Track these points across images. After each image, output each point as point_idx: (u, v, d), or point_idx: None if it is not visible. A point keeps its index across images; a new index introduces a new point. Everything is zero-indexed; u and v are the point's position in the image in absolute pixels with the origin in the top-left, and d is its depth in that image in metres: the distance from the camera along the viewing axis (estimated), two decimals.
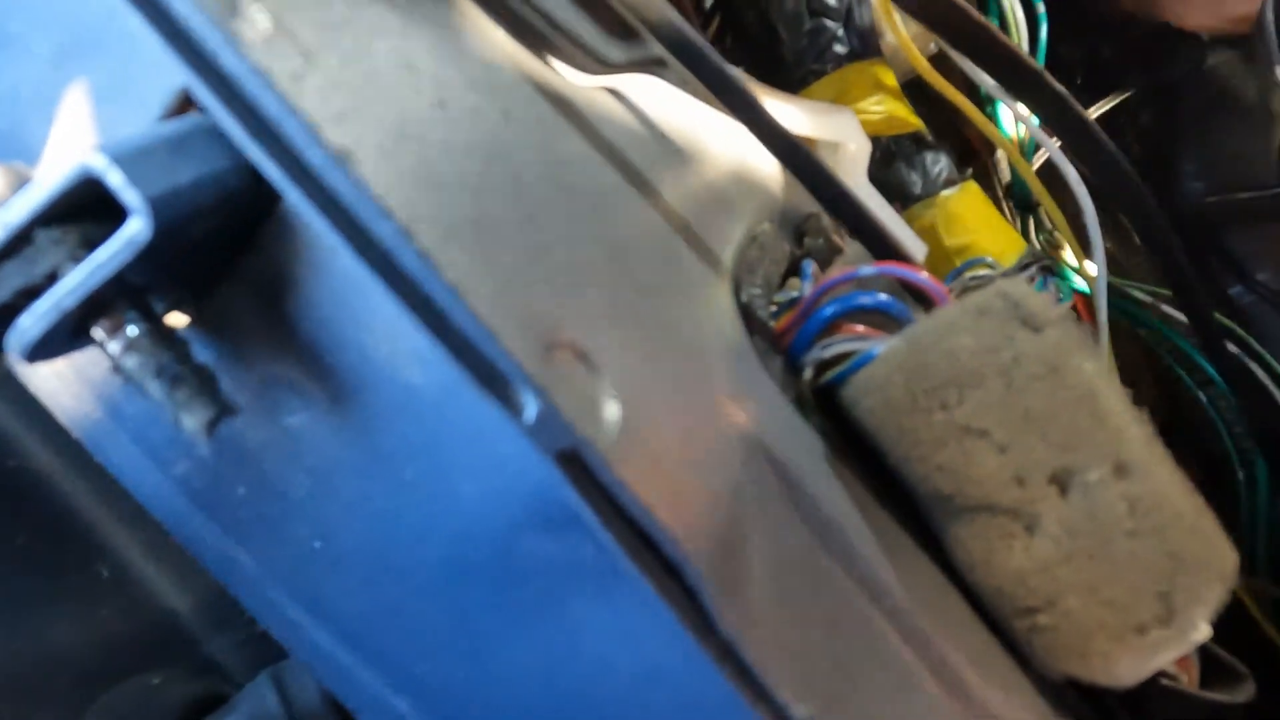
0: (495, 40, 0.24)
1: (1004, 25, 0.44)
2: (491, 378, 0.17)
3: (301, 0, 0.17)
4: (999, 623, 0.25)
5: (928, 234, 0.42)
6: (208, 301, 0.21)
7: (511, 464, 0.19)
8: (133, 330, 0.19)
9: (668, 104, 0.29)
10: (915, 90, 0.44)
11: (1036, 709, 0.26)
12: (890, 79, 0.44)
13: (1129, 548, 0.24)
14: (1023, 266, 0.39)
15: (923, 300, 0.29)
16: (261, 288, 0.20)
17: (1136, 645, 0.24)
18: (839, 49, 0.43)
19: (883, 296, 0.27)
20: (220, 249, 0.20)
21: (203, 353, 0.21)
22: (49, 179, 0.17)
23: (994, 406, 0.24)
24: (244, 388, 0.21)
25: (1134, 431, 0.24)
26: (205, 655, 0.35)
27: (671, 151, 0.29)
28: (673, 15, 0.28)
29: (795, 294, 0.29)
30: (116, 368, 0.19)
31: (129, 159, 0.17)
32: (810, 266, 0.29)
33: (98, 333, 0.19)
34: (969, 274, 0.35)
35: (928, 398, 0.24)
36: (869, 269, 0.27)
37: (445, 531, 0.21)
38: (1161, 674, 0.26)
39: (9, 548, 0.33)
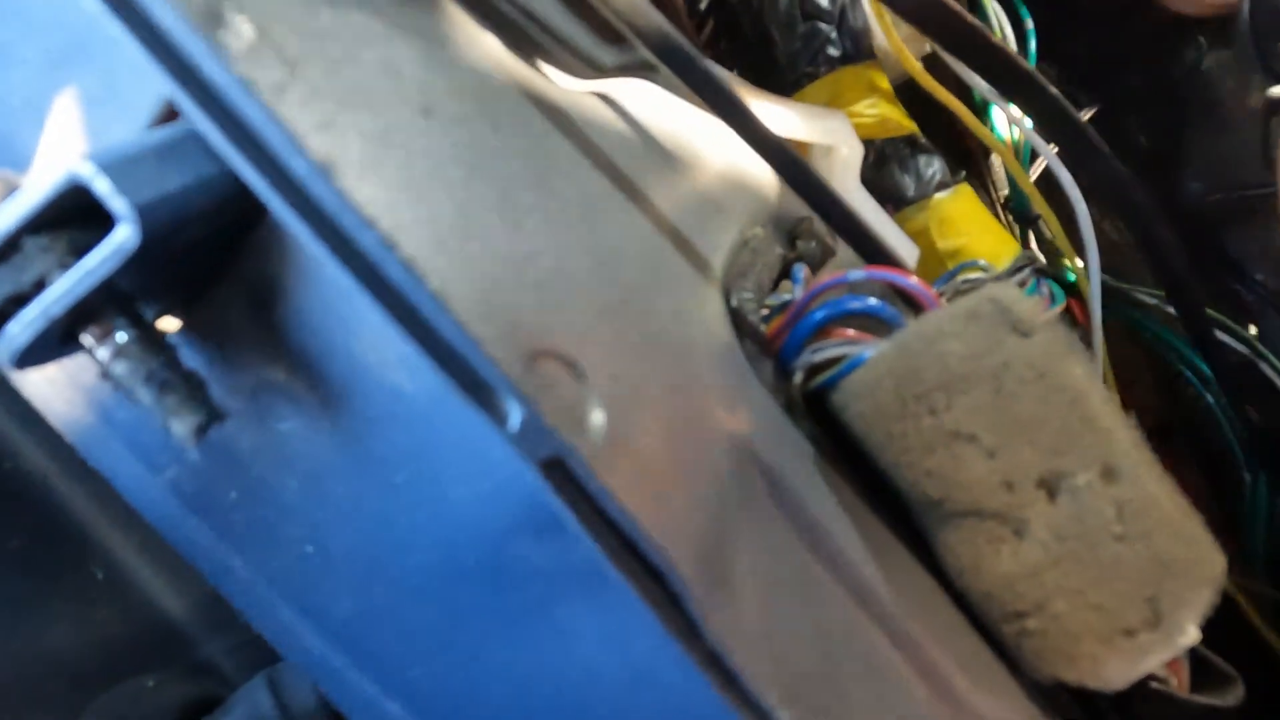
0: (484, 46, 0.24)
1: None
2: (475, 386, 0.17)
3: (286, 10, 0.17)
4: (988, 627, 0.26)
5: (920, 237, 0.42)
6: (198, 307, 0.21)
7: (500, 470, 0.19)
8: (121, 337, 0.19)
9: (659, 108, 0.30)
10: (909, 92, 0.44)
11: (1026, 713, 0.26)
12: (883, 82, 0.44)
13: (1117, 552, 0.24)
14: (1016, 269, 0.39)
15: (913, 304, 0.29)
16: (251, 294, 0.20)
17: (1125, 649, 0.24)
18: (832, 52, 0.43)
19: (873, 301, 0.27)
20: (210, 255, 0.20)
21: (193, 358, 0.21)
22: (37, 187, 0.17)
23: (983, 411, 0.24)
24: (235, 393, 0.21)
25: (1122, 436, 0.24)
26: (201, 657, 0.35)
27: (662, 156, 0.29)
28: (660, 21, 0.28)
29: (787, 297, 0.29)
30: (105, 374, 0.19)
31: (116, 167, 0.17)
32: (801, 270, 0.29)
33: (87, 339, 0.19)
34: (961, 277, 0.35)
35: (917, 402, 0.24)
36: (858, 273, 0.27)
37: (436, 536, 0.21)
38: (1151, 677, 0.26)
39: (4, 550, 0.33)
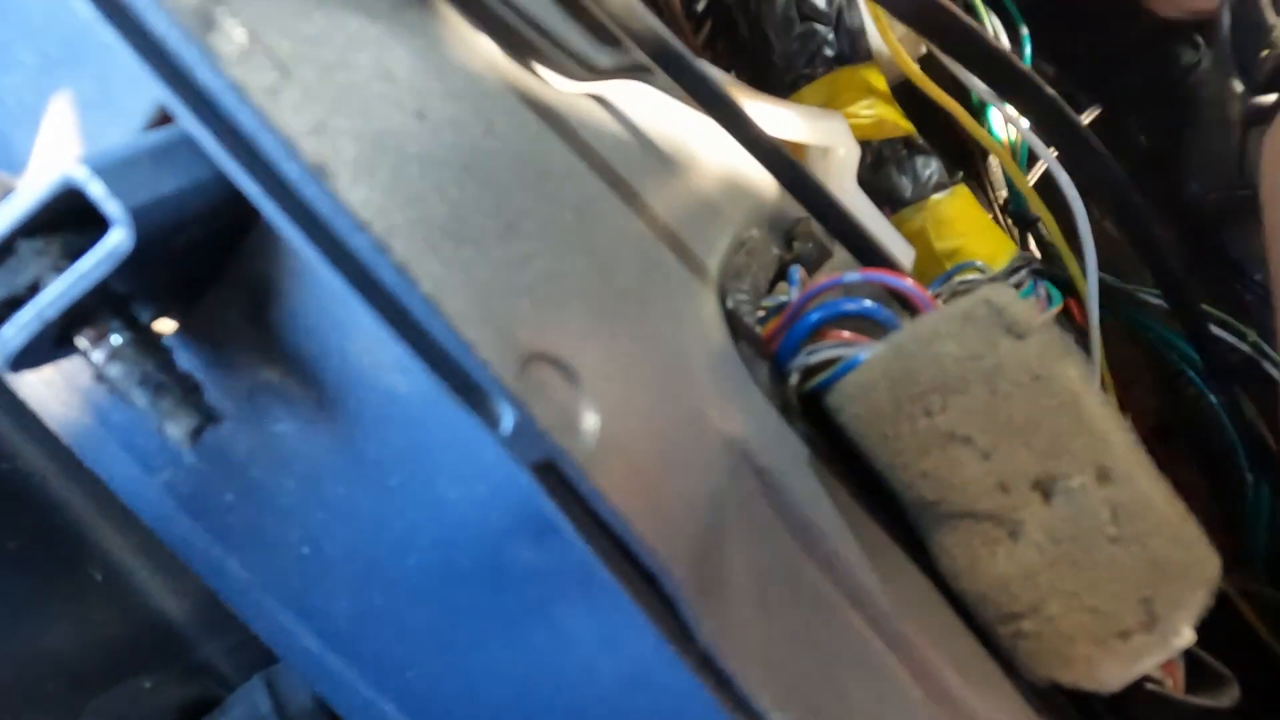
0: (479, 49, 0.24)
1: None
2: (468, 389, 0.17)
3: (279, 13, 0.17)
4: (984, 629, 0.26)
5: (918, 238, 0.42)
6: (194, 309, 0.21)
7: (495, 472, 0.19)
8: (116, 339, 0.19)
9: (656, 110, 0.30)
10: (906, 93, 0.44)
11: (1022, 714, 0.26)
12: (880, 83, 0.44)
13: (1111, 554, 0.24)
14: (1013, 270, 0.39)
15: (909, 306, 0.29)
16: (247, 296, 0.20)
17: (1119, 651, 0.24)
18: (829, 53, 0.43)
19: (868, 303, 0.27)
20: (205, 257, 0.20)
21: (189, 360, 0.21)
22: (32, 190, 0.17)
23: (977, 413, 0.24)
24: (231, 395, 0.21)
25: (1117, 438, 0.24)
26: (198, 658, 0.35)
27: (659, 158, 0.29)
28: (654, 23, 0.28)
29: (783, 299, 0.29)
30: (100, 376, 0.19)
31: (111, 170, 0.17)
32: (797, 272, 0.29)
33: (81, 342, 0.19)
34: (958, 278, 0.35)
35: (912, 404, 0.24)
36: (854, 275, 0.27)
37: (432, 538, 0.21)
38: (1146, 679, 0.26)
39: (2, 551, 0.33)
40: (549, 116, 0.24)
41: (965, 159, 0.49)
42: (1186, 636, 0.25)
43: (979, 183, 0.48)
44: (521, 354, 0.17)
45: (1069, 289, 0.43)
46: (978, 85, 0.39)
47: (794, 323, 0.27)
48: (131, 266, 0.18)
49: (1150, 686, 0.26)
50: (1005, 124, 0.44)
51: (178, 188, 0.18)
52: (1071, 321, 0.45)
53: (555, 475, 0.17)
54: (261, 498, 0.22)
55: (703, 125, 0.31)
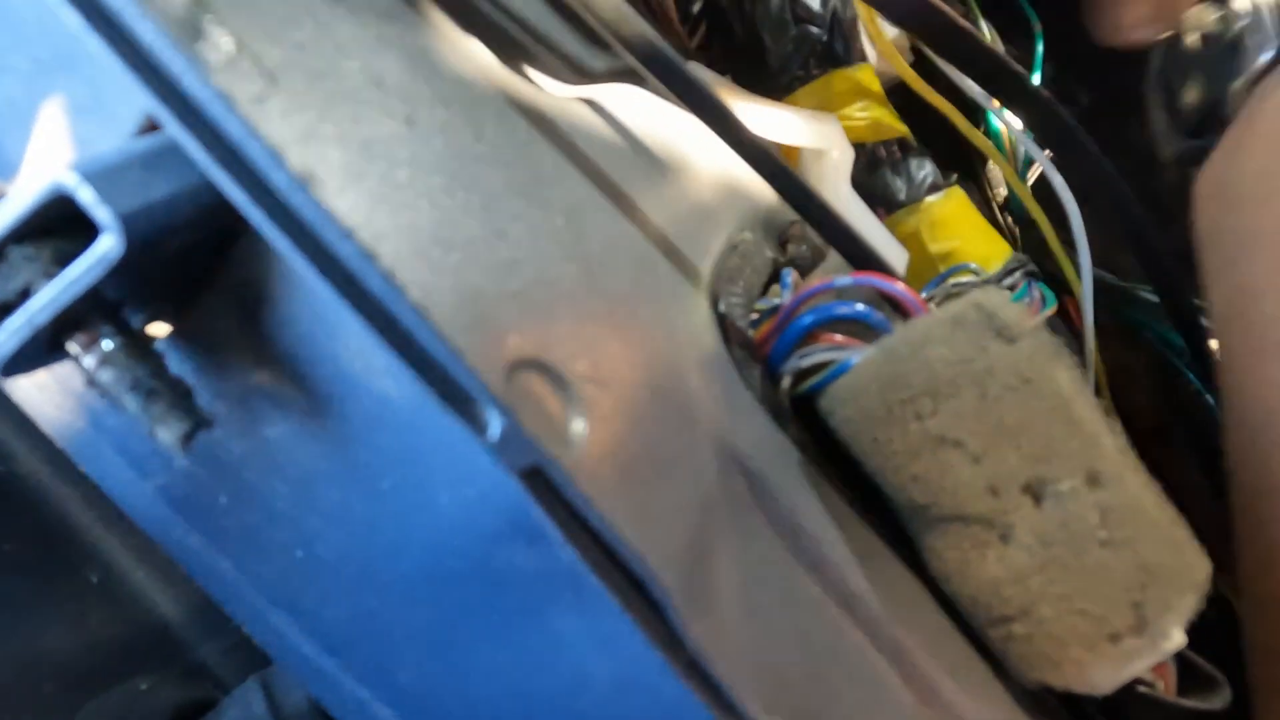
0: (469, 54, 0.24)
1: None
2: (455, 396, 0.17)
3: (267, 21, 0.17)
4: (975, 632, 0.26)
5: (912, 240, 0.42)
6: (187, 313, 0.21)
7: (485, 475, 0.19)
8: (107, 344, 0.19)
9: (648, 113, 0.30)
10: (902, 94, 0.44)
11: (1014, 717, 0.26)
12: (875, 84, 0.44)
13: (1101, 557, 0.24)
14: (1007, 272, 0.39)
15: (900, 310, 0.29)
16: (239, 300, 0.20)
17: (1110, 654, 0.24)
18: (824, 55, 0.43)
19: (860, 306, 0.27)
20: (197, 262, 0.20)
21: (182, 364, 0.21)
22: (22, 196, 0.17)
23: (968, 417, 0.24)
24: (224, 399, 0.22)
25: (1107, 441, 0.25)
26: (194, 660, 0.35)
27: (651, 162, 0.29)
28: (644, 27, 0.28)
29: (776, 302, 0.29)
30: (91, 382, 0.19)
31: (100, 176, 0.17)
32: (790, 275, 0.29)
33: (73, 347, 0.19)
34: (952, 280, 0.35)
35: (902, 408, 0.24)
36: (845, 279, 0.27)
37: (423, 541, 0.21)
38: (1138, 681, 0.26)
39: None
40: (540, 121, 0.24)
41: (963, 159, 0.48)
42: (1177, 639, 0.25)
43: (976, 183, 0.48)
44: (510, 360, 0.17)
45: (1067, 289, 0.43)
46: (972, 88, 0.39)
47: (786, 326, 0.27)
48: (122, 272, 0.18)
49: (1142, 689, 0.26)
50: (1001, 124, 0.44)
51: (168, 194, 0.18)
52: (1069, 322, 0.45)
53: (543, 481, 0.17)
54: (254, 501, 0.23)
55: (696, 128, 0.31)
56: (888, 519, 0.26)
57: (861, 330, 0.27)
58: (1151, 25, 0.44)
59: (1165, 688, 0.27)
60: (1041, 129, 0.38)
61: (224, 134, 0.16)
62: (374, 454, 0.21)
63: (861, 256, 0.31)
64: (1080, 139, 0.35)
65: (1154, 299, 0.46)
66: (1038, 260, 0.43)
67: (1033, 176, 0.46)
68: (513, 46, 0.25)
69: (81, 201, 0.17)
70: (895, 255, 0.37)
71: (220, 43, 0.15)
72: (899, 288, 0.27)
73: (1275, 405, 0.31)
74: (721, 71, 0.42)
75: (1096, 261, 0.41)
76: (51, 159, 0.20)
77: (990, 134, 0.46)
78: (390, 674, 0.24)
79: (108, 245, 0.17)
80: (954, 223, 0.43)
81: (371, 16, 0.20)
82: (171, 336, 0.21)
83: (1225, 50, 0.38)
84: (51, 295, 0.18)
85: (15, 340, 0.18)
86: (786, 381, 0.26)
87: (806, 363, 0.26)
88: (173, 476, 0.23)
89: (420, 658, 0.23)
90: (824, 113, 0.39)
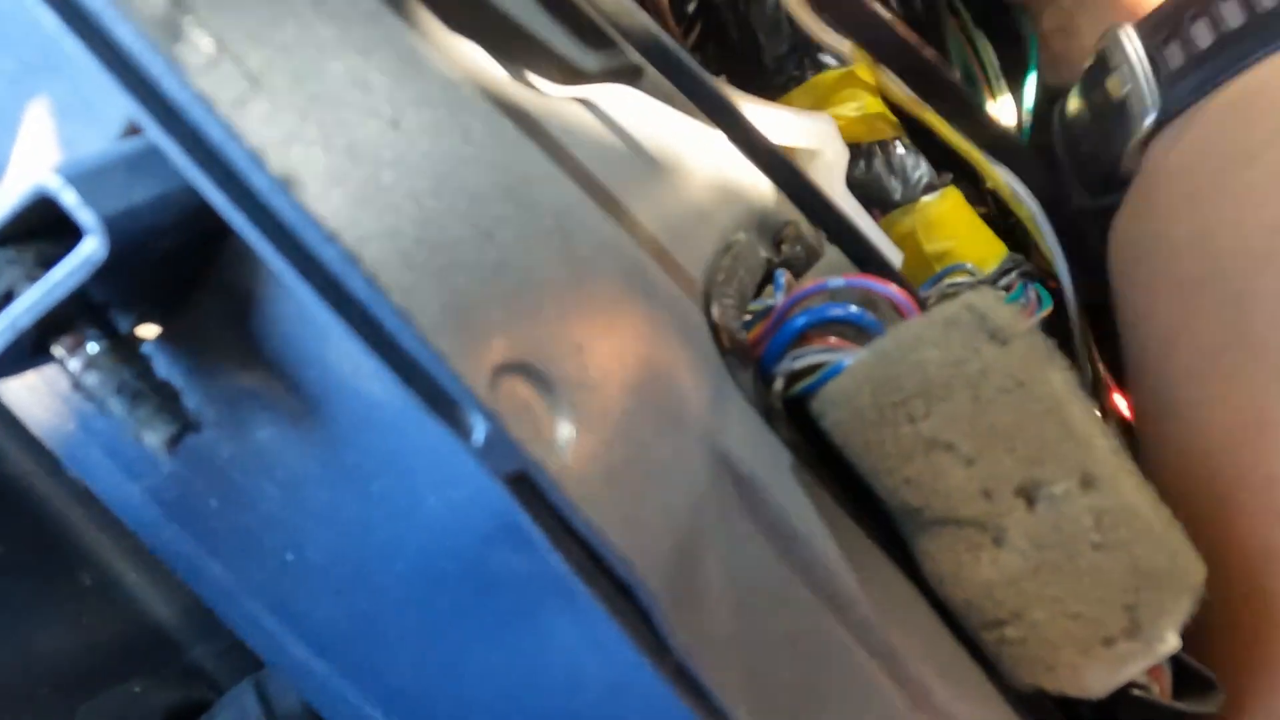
0: (458, 55, 0.24)
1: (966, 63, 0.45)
2: (440, 400, 0.17)
3: (250, 23, 0.17)
4: (969, 635, 0.25)
5: (907, 240, 0.42)
6: (176, 316, 0.21)
7: (474, 479, 0.19)
8: (93, 347, 0.19)
9: (641, 114, 0.29)
10: None
11: None
12: (870, 84, 0.44)
13: (1095, 560, 0.24)
14: (1003, 272, 0.39)
15: (894, 311, 0.29)
16: (227, 302, 0.20)
17: (1104, 657, 0.24)
18: (820, 55, 0.43)
19: (853, 308, 0.27)
20: (184, 265, 0.20)
21: (170, 367, 0.21)
22: (5, 199, 0.17)
23: (961, 419, 0.24)
24: (213, 401, 0.21)
25: (1101, 444, 0.24)
26: (188, 662, 0.35)
27: (644, 162, 0.29)
28: (648, 22, 0.28)
29: (770, 303, 0.29)
30: (77, 385, 0.19)
31: (84, 179, 0.17)
32: (783, 276, 0.29)
33: (58, 350, 0.19)
34: (947, 281, 0.35)
35: (895, 410, 0.24)
36: (838, 280, 0.27)
37: (414, 544, 0.21)
38: (1133, 684, 0.26)
39: None
40: (529, 122, 0.24)
41: (958, 159, 0.48)
42: (1171, 643, 0.25)
43: (972, 182, 0.48)
44: (495, 364, 0.17)
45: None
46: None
47: (779, 328, 0.27)
48: (107, 274, 0.18)
49: (1136, 692, 0.26)
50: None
51: (153, 196, 0.18)
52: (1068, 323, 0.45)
53: (529, 486, 0.17)
54: (245, 504, 0.22)
55: (689, 128, 0.31)
56: (881, 522, 0.26)
57: (855, 332, 0.27)
58: None
59: (1160, 691, 0.27)
60: (989, 147, 0.39)
61: (204, 136, 0.16)
62: (363, 456, 0.21)
63: (863, 255, 0.31)
64: (1024, 157, 0.36)
65: None
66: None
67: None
68: (503, 47, 0.25)
69: (64, 204, 0.17)
70: (890, 256, 0.37)
71: (200, 44, 0.15)
72: (891, 289, 0.27)
73: (1170, 461, 0.32)
74: (716, 71, 0.42)
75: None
76: (36, 161, 0.20)
77: None
78: (382, 677, 0.24)
79: (91, 248, 0.17)
80: (949, 223, 0.43)
81: (357, 17, 0.20)
82: (160, 339, 0.21)
83: (1114, 113, 0.38)
84: (35, 298, 0.18)
85: None
86: (779, 384, 0.26)
87: (799, 365, 0.26)
88: (162, 479, 0.23)
89: (412, 660, 0.23)
90: (818, 113, 0.39)
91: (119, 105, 0.17)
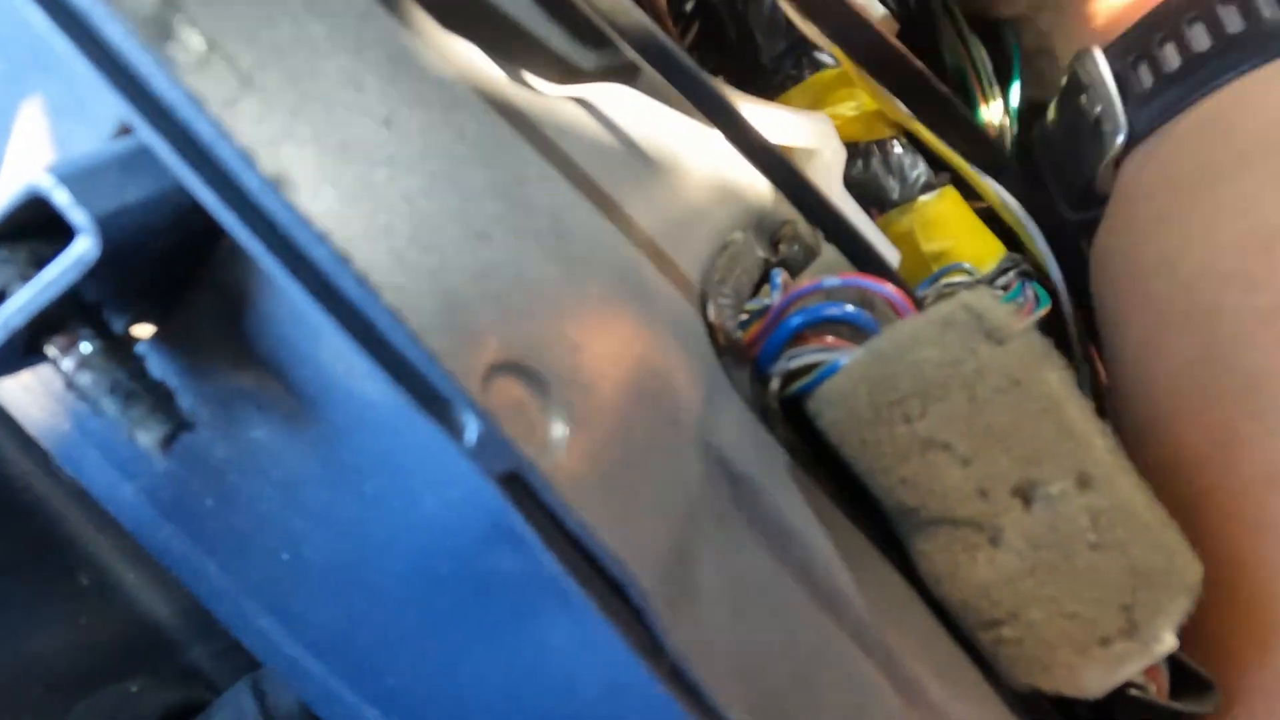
0: (452, 54, 0.24)
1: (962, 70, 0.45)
2: (432, 399, 0.17)
3: (242, 22, 0.17)
4: (966, 635, 0.25)
5: (905, 240, 0.42)
6: (170, 316, 0.21)
7: (468, 478, 0.19)
8: (86, 347, 0.19)
9: (638, 113, 0.29)
10: None
11: None
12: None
13: (1092, 560, 0.24)
14: (1001, 272, 0.39)
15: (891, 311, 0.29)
16: (222, 302, 0.20)
17: (1100, 657, 0.24)
18: (817, 55, 0.43)
19: (850, 308, 0.26)
20: (178, 264, 0.20)
21: (165, 367, 0.21)
22: None
23: (957, 419, 0.24)
24: (207, 402, 0.21)
25: (1097, 443, 0.24)
26: (185, 662, 0.35)
27: (640, 161, 0.29)
28: (644, 20, 0.28)
29: (767, 303, 0.29)
30: (70, 385, 0.19)
31: (77, 178, 0.17)
32: (780, 275, 0.29)
33: (51, 350, 0.19)
34: (945, 280, 0.35)
35: (891, 410, 0.24)
36: (834, 280, 0.27)
37: (409, 544, 0.21)
38: (1129, 684, 0.26)
39: None
40: (524, 122, 0.24)
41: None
42: (1168, 643, 0.25)
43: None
44: (488, 363, 0.17)
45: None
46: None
47: (775, 327, 0.26)
48: (100, 274, 0.18)
49: (1133, 692, 0.26)
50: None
51: (145, 195, 0.18)
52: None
53: (521, 486, 0.17)
54: (240, 504, 0.22)
55: (686, 127, 0.31)
56: (877, 522, 0.26)
57: (852, 332, 0.27)
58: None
59: (1157, 690, 0.27)
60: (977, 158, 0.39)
61: (195, 135, 0.16)
62: (358, 456, 0.21)
63: (860, 254, 0.31)
64: (1009, 169, 0.37)
65: None
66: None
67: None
68: (498, 45, 0.25)
69: (57, 203, 0.17)
70: (888, 255, 0.37)
71: (190, 43, 0.15)
72: (887, 288, 0.27)
73: (1147, 477, 0.32)
74: (713, 71, 0.42)
75: None
76: (30, 161, 0.20)
77: None
78: (379, 677, 0.24)
79: (84, 247, 0.17)
80: (947, 222, 0.42)
81: (351, 17, 0.20)
82: (155, 338, 0.21)
83: (1087, 132, 0.39)
84: (27, 298, 0.18)
85: None
86: (775, 383, 0.26)
87: (795, 364, 0.26)
88: (158, 479, 0.23)
89: (408, 661, 0.23)
90: (816, 112, 0.38)
91: (111, 105, 0.17)
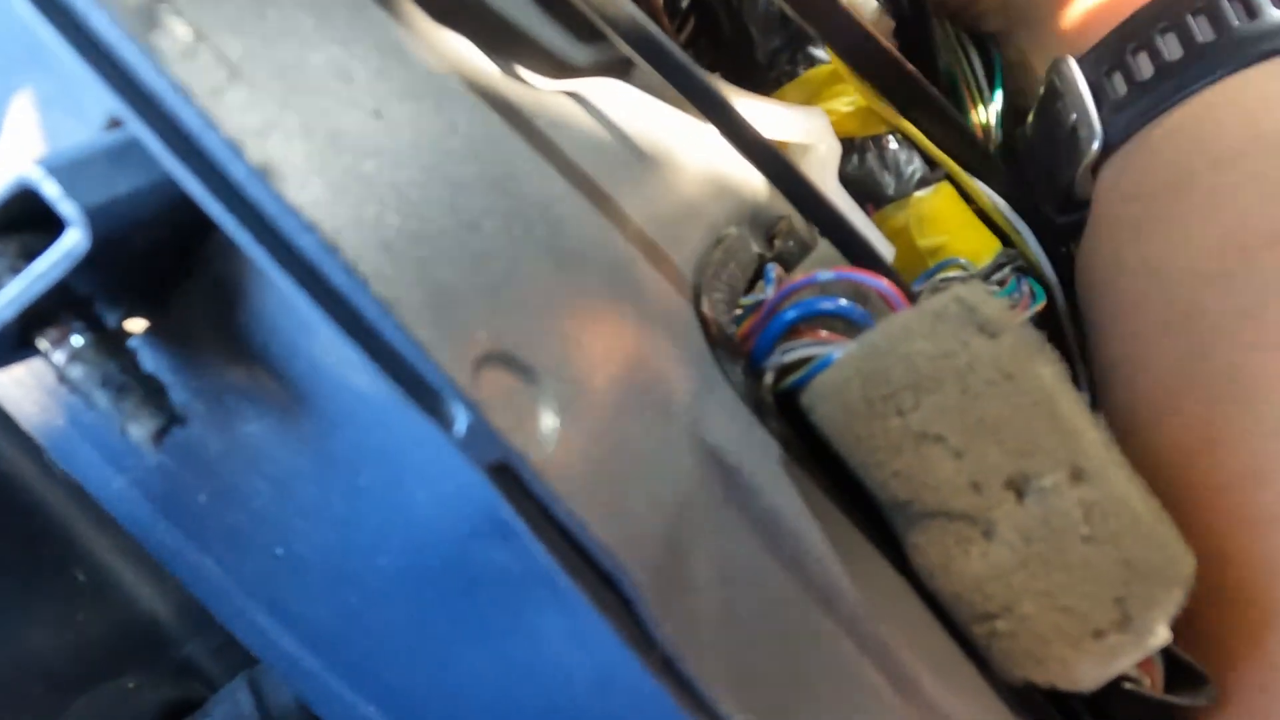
0: (444, 46, 0.24)
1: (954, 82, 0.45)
2: (421, 390, 0.17)
3: (229, 13, 0.17)
4: (959, 629, 0.25)
5: (900, 235, 0.41)
6: (162, 309, 0.21)
7: (460, 471, 0.19)
8: (78, 340, 0.19)
9: (633, 107, 0.29)
10: None
11: (999, 714, 0.26)
12: None
13: (1085, 553, 0.24)
14: (997, 267, 0.39)
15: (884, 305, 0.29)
16: (213, 295, 0.20)
17: (1094, 651, 0.24)
18: (812, 50, 0.43)
19: (843, 301, 0.26)
20: (170, 257, 0.20)
21: (157, 360, 0.21)
22: None
23: (950, 412, 0.24)
24: (200, 395, 0.21)
25: (1090, 437, 0.24)
26: (182, 659, 0.35)
27: (634, 158, 0.29)
28: (637, 14, 0.28)
29: (761, 298, 0.29)
30: (62, 378, 0.19)
31: (66, 170, 0.17)
32: (774, 270, 0.29)
33: (42, 343, 0.19)
34: (940, 275, 0.35)
35: (884, 403, 0.24)
36: (828, 274, 0.27)
37: (402, 538, 0.21)
38: (1124, 678, 0.26)
39: None
40: (517, 115, 0.24)
41: None
42: (1162, 635, 0.25)
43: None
44: (478, 355, 0.17)
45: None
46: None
47: (769, 321, 0.26)
48: (90, 267, 0.18)
49: (1128, 685, 0.26)
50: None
51: (135, 187, 0.18)
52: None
53: (511, 477, 0.17)
54: (234, 499, 0.22)
55: (680, 123, 0.31)
56: (871, 515, 0.26)
57: (845, 326, 0.27)
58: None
59: (1151, 684, 0.27)
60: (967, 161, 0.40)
61: (181, 125, 0.16)
62: (350, 450, 0.21)
63: (856, 249, 0.31)
64: (998, 171, 0.37)
65: None
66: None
67: None
68: (490, 39, 0.25)
69: (46, 196, 0.17)
70: (882, 250, 0.37)
71: (177, 33, 0.15)
72: (881, 282, 0.27)
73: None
74: (709, 66, 0.42)
75: None
76: (20, 153, 0.20)
77: None
78: (373, 671, 0.24)
79: (74, 240, 0.17)
80: (943, 217, 0.42)
81: (340, 8, 0.20)
82: (148, 332, 0.21)
83: (1065, 140, 0.40)
84: (17, 291, 0.18)
85: None
86: (769, 377, 0.26)
87: (789, 358, 0.26)
88: (151, 473, 0.23)
89: (403, 655, 0.23)
90: (811, 107, 0.38)
91: (101, 97, 0.17)
